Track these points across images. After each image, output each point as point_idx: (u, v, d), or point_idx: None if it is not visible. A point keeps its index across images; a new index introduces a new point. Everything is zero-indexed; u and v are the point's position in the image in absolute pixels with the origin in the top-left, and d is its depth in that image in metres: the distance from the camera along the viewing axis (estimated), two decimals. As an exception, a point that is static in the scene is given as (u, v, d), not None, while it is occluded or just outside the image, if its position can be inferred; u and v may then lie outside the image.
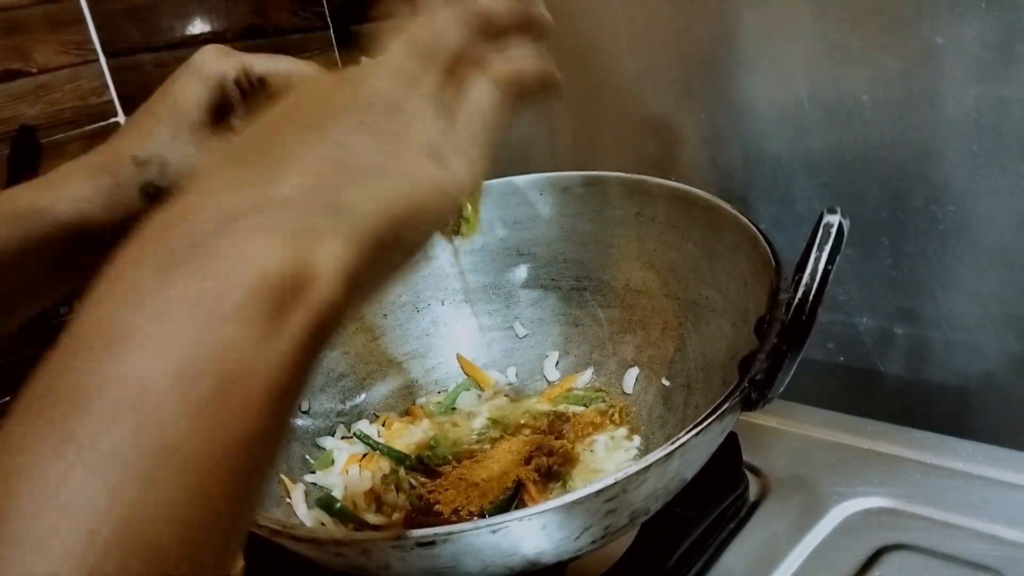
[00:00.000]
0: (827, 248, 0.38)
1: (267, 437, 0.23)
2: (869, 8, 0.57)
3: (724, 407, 0.39)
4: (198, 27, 1.09)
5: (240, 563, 0.56)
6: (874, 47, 0.58)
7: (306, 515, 0.52)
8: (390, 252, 0.28)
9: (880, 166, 0.61)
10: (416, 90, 0.31)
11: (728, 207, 0.54)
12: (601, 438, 0.57)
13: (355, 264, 0.26)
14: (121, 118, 1.28)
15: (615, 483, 0.36)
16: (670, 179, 0.60)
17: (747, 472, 0.58)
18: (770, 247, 0.48)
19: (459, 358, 0.66)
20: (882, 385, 0.67)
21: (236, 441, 0.22)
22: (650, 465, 0.37)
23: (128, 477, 0.20)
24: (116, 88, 1.26)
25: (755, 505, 0.56)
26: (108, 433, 0.20)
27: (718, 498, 0.54)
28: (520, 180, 0.65)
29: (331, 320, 0.25)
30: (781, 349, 0.39)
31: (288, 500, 0.53)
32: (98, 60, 1.24)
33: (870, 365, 0.67)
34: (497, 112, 0.33)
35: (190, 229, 0.24)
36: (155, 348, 0.21)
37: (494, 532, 0.36)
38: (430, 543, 0.36)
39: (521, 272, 0.66)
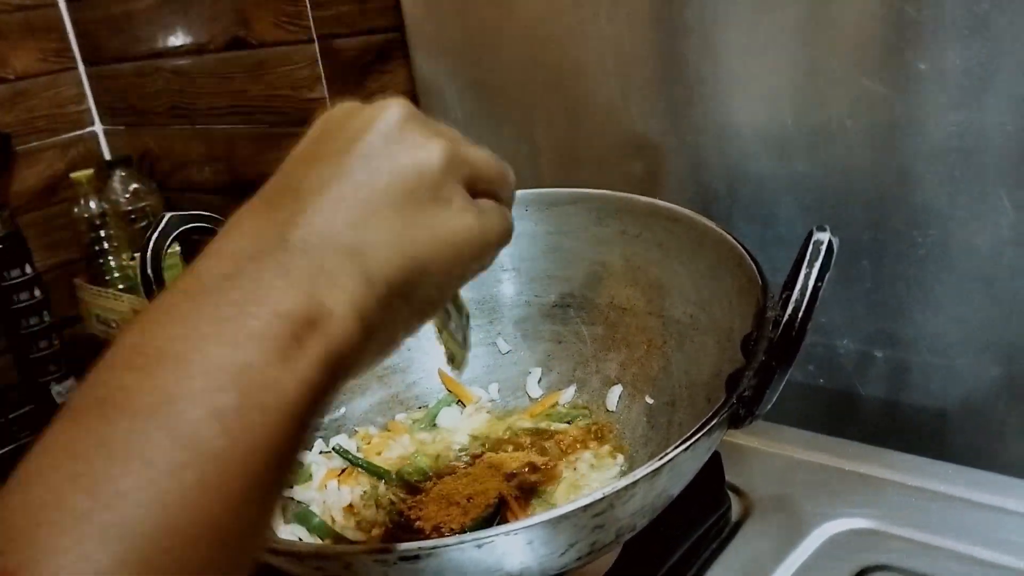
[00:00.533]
0: (817, 265, 0.38)
1: (285, 451, 0.25)
2: (853, 33, 0.58)
3: (712, 423, 0.39)
4: (180, 38, 1.09)
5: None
6: (857, 72, 0.59)
7: (283, 530, 0.51)
8: (409, 295, 0.30)
9: (862, 189, 0.62)
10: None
11: (714, 225, 0.54)
12: (585, 456, 0.56)
13: (369, 305, 0.28)
14: (98, 127, 1.27)
15: (603, 498, 0.36)
16: (655, 198, 0.60)
17: (729, 492, 0.58)
18: (756, 266, 0.48)
19: (441, 373, 0.65)
20: (862, 407, 0.68)
21: (257, 449, 0.24)
22: (638, 480, 0.36)
23: (158, 468, 0.22)
24: (94, 97, 1.25)
25: (737, 525, 0.56)
26: (142, 432, 0.23)
27: (701, 517, 0.54)
28: (508, 195, 0.65)
29: (347, 354, 0.27)
30: (770, 366, 0.39)
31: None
32: (76, 68, 1.23)
33: (850, 387, 0.68)
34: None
35: (216, 269, 0.27)
36: (184, 364, 0.24)
37: (479, 547, 0.35)
38: (414, 557, 0.35)
39: (506, 288, 0.65)
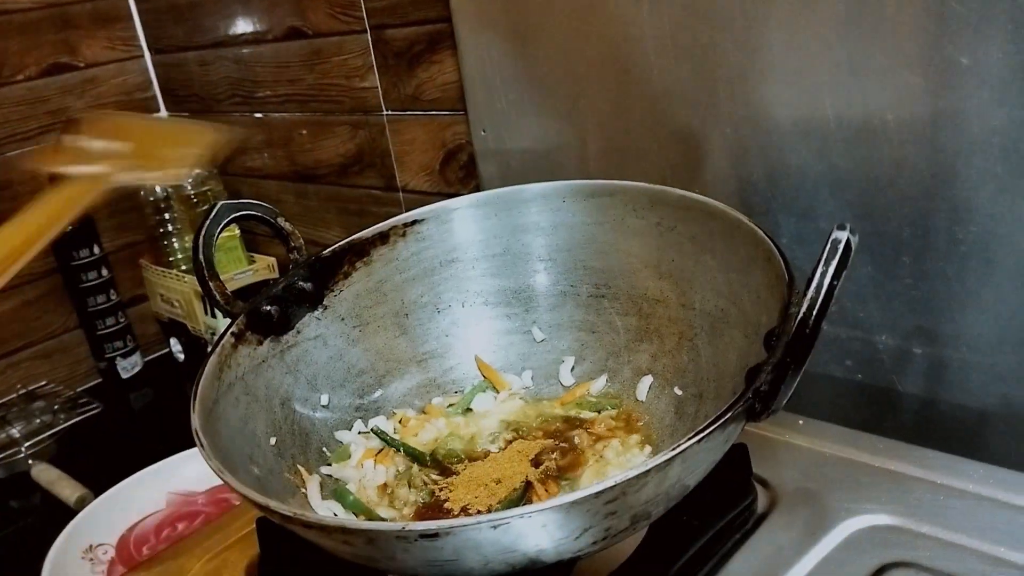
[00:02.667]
0: (833, 264, 0.38)
1: None
2: (894, 27, 0.58)
3: (726, 417, 0.40)
4: (240, 27, 1.12)
5: (256, 551, 0.58)
6: (899, 66, 0.58)
7: (320, 505, 0.54)
8: None
9: (903, 184, 0.61)
10: None
11: (746, 220, 0.54)
12: (612, 443, 0.57)
13: None
14: (164, 112, 1.32)
15: (615, 486, 0.37)
16: (694, 191, 0.61)
17: (757, 484, 0.59)
18: (784, 261, 0.49)
19: (477, 360, 0.67)
20: (900, 403, 0.67)
21: None
22: (649, 470, 0.37)
23: None
24: (159, 84, 1.30)
25: (763, 517, 0.56)
26: None
27: (726, 507, 0.55)
28: (544, 187, 0.66)
29: None
30: (785, 362, 0.39)
31: (304, 490, 0.54)
32: (143, 56, 1.28)
33: (888, 383, 0.67)
34: None
35: None
36: None
37: (495, 528, 0.37)
38: (433, 535, 0.37)
39: (541, 277, 0.67)
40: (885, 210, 0.63)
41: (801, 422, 0.65)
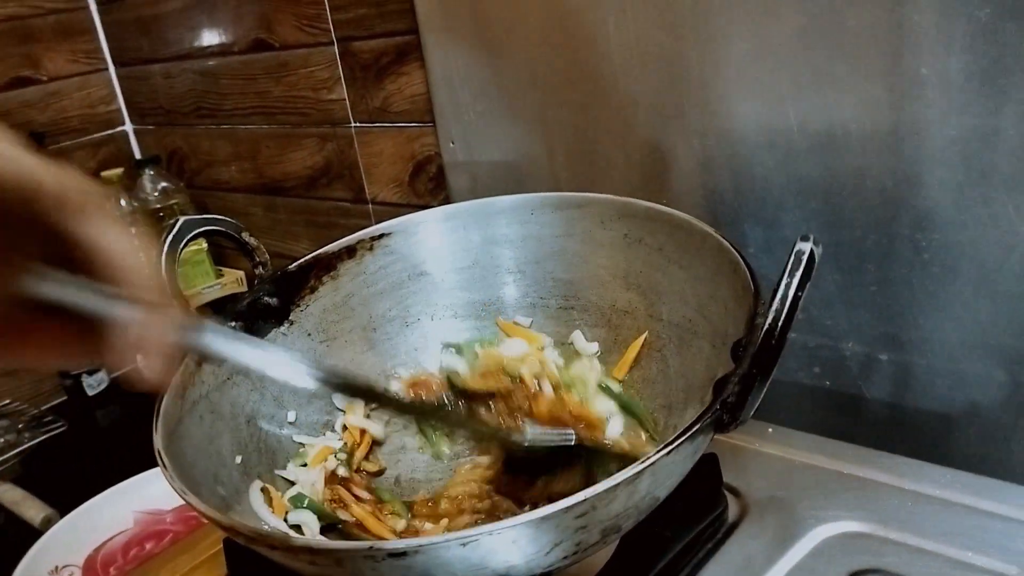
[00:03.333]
0: (798, 275, 0.39)
1: None
2: (855, 38, 0.58)
3: (695, 428, 0.40)
4: (205, 40, 1.11)
5: (224, 571, 0.57)
6: (861, 77, 0.59)
7: (281, 523, 0.53)
8: None
9: (867, 193, 0.62)
10: None
11: (711, 231, 0.55)
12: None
13: None
14: (128, 126, 1.30)
15: (584, 500, 0.37)
16: (662, 201, 0.61)
17: (727, 493, 0.59)
18: (750, 271, 0.49)
19: (499, 322, 0.67)
20: (867, 410, 0.68)
21: None
22: (619, 483, 0.37)
23: None
24: (124, 97, 1.29)
25: (733, 526, 0.56)
26: None
27: (697, 518, 0.55)
28: (512, 199, 0.66)
29: None
30: (752, 373, 0.40)
31: (271, 508, 0.54)
32: (107, 69, 1.27)
33: (855, 390, 0.68)
34: None
35: None
36: None
37: (464, 545, 0.37)
38: (401, 554, 0.36)
39: (511, 289, 0.67)
40: (849, 218, 0.63)
41: (770, 430, 0.66)
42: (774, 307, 0.39)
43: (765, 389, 0.40)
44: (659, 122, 0.71)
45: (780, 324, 0.39)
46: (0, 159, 0.32)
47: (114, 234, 0.35)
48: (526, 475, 0.53)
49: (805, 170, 0.64)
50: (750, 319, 0.45)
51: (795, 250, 0.39)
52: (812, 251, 0.39)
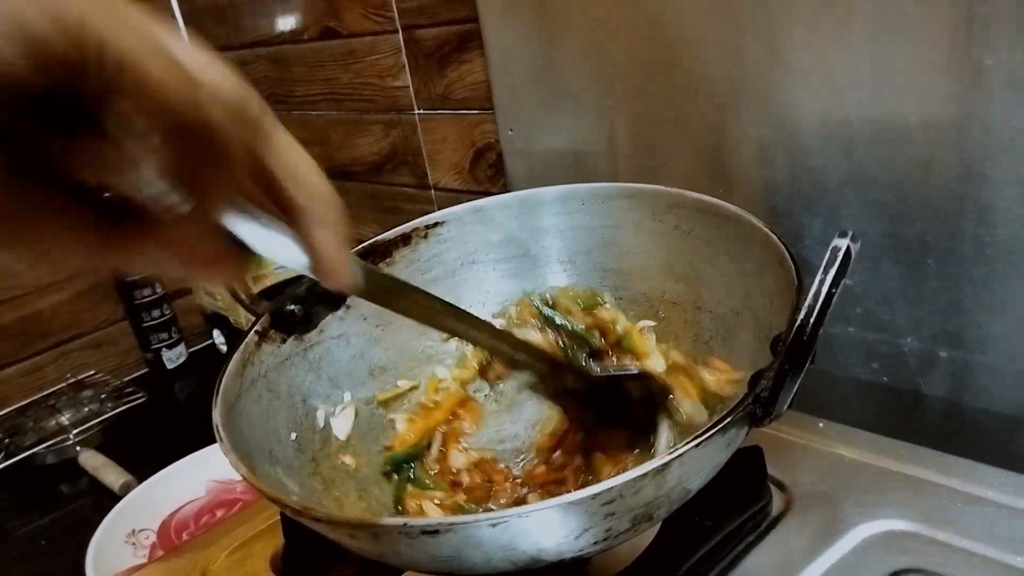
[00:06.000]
0: (832, 271, 0.38)
1: None
2: (918, 28, 0.57)
3: (726, 422, 0.40)
4: (277, 27, 1.15)
5: (281, 541, 0.60)
6: (923, 67, 0.58)
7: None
8: None
9: (929, 187, 0.60)
10: None
11: (760, 224, 0.54)
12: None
13: None
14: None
15: (611, 488, 0.38)
16: (719, 191, 0.61)
17: (773, 486, 0.59)
18: (795, 266, 0.49)
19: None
20: (926, 407, 0.67)
21: None
22: (645, 473, 0.38)
23: None
24: (203, 84, 1.34)
25: (777, 519, 0.57)
26: None
27: (740, 509, 0.55)
28: (562, 190, 0.67)
29: None
30: (784, 368, 0.40)
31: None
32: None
33: (914, 387, 0.67)
34: None
35: None
36: None
37: (493, 526, 0.38)
38: (434, 532, 0.38)
39: (560, 279, 0.68)
40: (911, 212, 0.62)
41: (821, 425, 0.65)
42: (807, 303, 0.38)
43: (797, 384, 0.40)
44: (719, 112, 0.71)
45: (812, 320, 0.38)
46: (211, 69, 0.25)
47: (296, 153, 0.30)
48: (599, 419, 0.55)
49: (866, 162, 0.63)
50: (792, 314, 0.45)
51: (832, 246, 0.39)
52: (849, 247, 0.38)
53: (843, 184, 0.65)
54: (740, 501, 0.56)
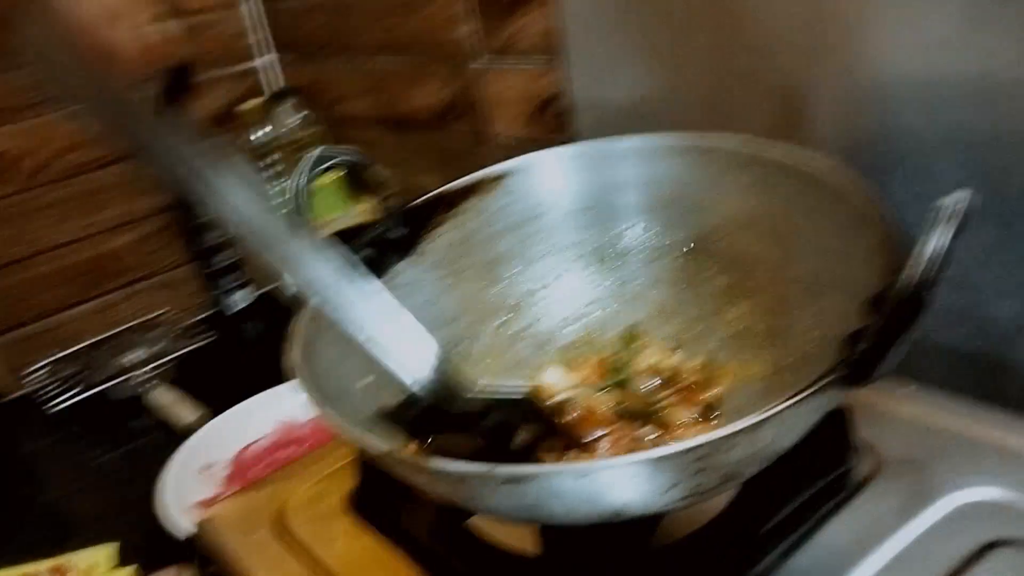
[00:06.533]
0: (951, 226, 0.36)
1: None
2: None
3: (825, 381, 0.38)
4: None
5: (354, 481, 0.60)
6: (1022, 19, 0.54)
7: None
8: None
9: (1028, 144, 0.57)
10: None
11: (851, 178, 0.51)
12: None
13: None
14: (266, 60, 1.35)
15: (702, 444, 0.36)
16: (799, 147, 0.58)
17: (861, 449, 0.56)
18: (893, 223, 0.46)
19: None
20: (1018, 374, 0.64)
21: None
22: (740, 431, 0.37)
23: None
24: (263, 31, 1.33)
25: (863, 484, 0.54)
26: None
27: (824, 471, 0.53)
28: (637, 140, 0.64)
29: None
30: (891, 329, 0.37)
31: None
32: (248, 2, 1.31)
33: (1007, 354, 0.64)
34: None
35: None
36: None
37: (580, 477, 0.37)
38: (517, 480, 0.37)
39: (633, 233, 0.66)
40: (1007, 171, 0.58)
41: (914, 388, 0.63)
42: (925, 260, 0.36)
43: (907, 346, 0.38)
44: (799, 64, 0.67)
45: (930, 278, 0.36)
46: None
47: None
48: None
49: (960, 118, 0.59)
50: (894, 271, 0.43)
51: (948, 201, 0.36)
52: (969, 204, 0.36)
53: (935, 141, 0.61)
54: (823, 463, 0.54)
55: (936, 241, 0.36)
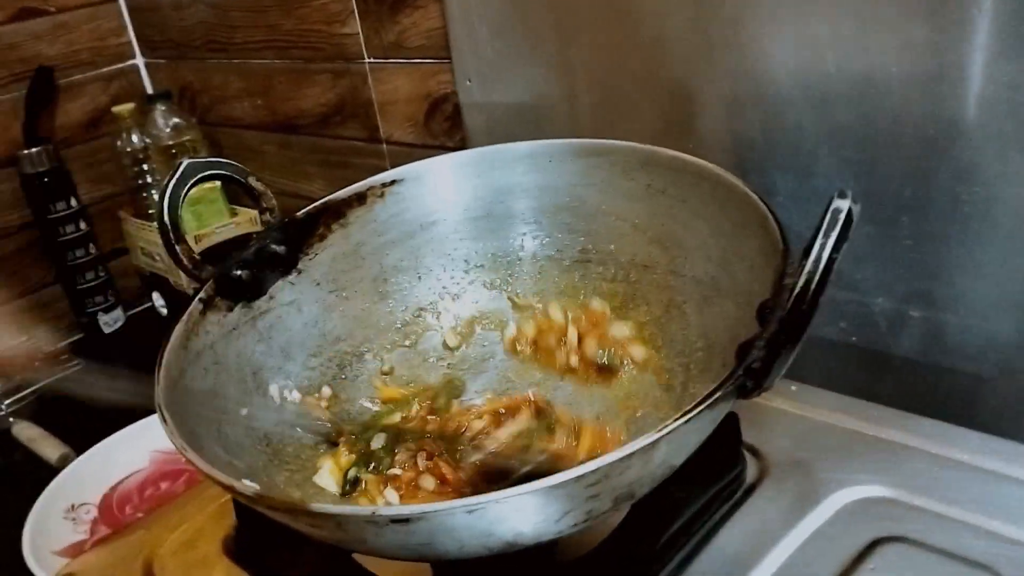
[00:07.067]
0: (833, 235, 0.36)
1: None
2: (903, -25, 0.54)
3: (716, 396, 0.38)
4: (216, -30, 1.07)
5: (232, 520, 0.56)
6: (905, 16, 0.55)
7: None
8: None
9: (906, 142, 0.58)
10: None
11: (739, 183, 0.52)
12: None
13: None
14: (139, 60, 1.27)
15: (596, 469, 0.35)
16: (688, 147, 0.58)
17: (746, 453, 0.57)
18: (780, 228, 0.46)
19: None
20: (895, 368, 0.66)
21: None
22: (633, 452, 0.36)
23: None
24: (135, 30, 1.25)
25: (751, 488, 0.55)
26: None
27: (713, 479, 0.53)
28: (530, 146, 0.63)
29: None
30: (779, 338, 0.37)
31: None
32: (116, 0, 1.23)
33: (883, 347, 0.66)
34: None
35: None
36: None
37: (470, 512, 0.35)
38: (404, 520, 0.35)
39: (526, 241, 0.64)
40: (886, 168, 0.60)
41: (794, 388, 0.64)
42: (807, 269, 0.36)
43: (793, 356, 0.38)
44: (686, 64, 0.67)
45: (813, 288, 0.36)
46: None
47: None
48: None
49: (841, 116, 0.61)
50: (778, 279, 0.43)
51: (832, 207, 0.36)
52: (851, 209, 0.36)
53: (817, 139, 0.63)
54: (713, 470, 0.54)
55: (820, 249, 0.36)
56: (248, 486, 0.38)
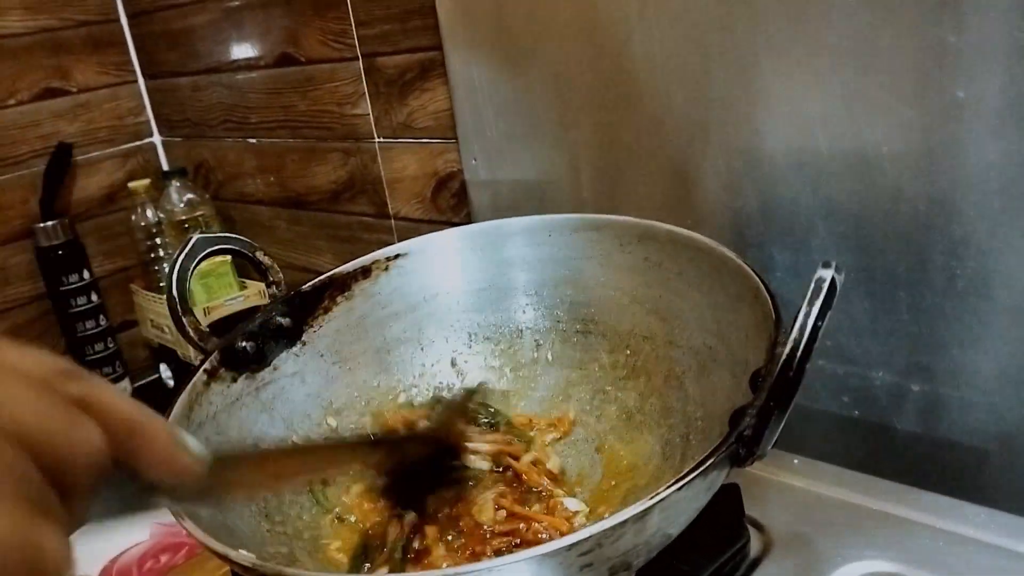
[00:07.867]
0: (818, 303, 0.37)
1: None
2: (890, 59, 0.56)
3: (709, 463, 0.38)
4: (233, 53, 1.12)
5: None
6: (894, 98, 0.57)
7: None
8: None
9: (899, 219, 0.60)
10: None
11: (733, 256, 0.53)
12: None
13: None
14: (156, 138, 1.31)
15: (589, 537, 0.35)
16: (687, 222, 0.60)
17: (750, 527, 0.56)
18: (771, 298, 0.47)
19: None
20: (897, 442, 0.65)
21: None
22: (627, 520, 0.36)
23: None
24: (153, 109, 1.30)
25: (756, 562, 0.54)
26: None
27: (716, 552, 0.53)
28: (529, 221, 0.65)
29: None
30: (768, 406, 0.38)
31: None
32: (136, 81, 1.28)
33: (885, 421, 0.65)
34: None
35: None
36: None
37: (462, 583, 0.35)
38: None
39: (527, 313, 0.65)
40: (881, 244, 0.61)
41: (796, 461, 0.63)
42: (792, 336, 0.37)
43: (783, 423, 0.39)
44: (684, 142, 0.69)
45: (799, 355, 0.37)
46: None
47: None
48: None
49: (835, 193, 0.62)
50: (770, 348, 0.43)
51: (816, 277, 0.37)
52: (834, 278, 0.37)
53: (813, 215, 0.64)
54: (717, 543, 0.53)
55: (805, 317, 0.37)
56: (244, 555, 0.38)
